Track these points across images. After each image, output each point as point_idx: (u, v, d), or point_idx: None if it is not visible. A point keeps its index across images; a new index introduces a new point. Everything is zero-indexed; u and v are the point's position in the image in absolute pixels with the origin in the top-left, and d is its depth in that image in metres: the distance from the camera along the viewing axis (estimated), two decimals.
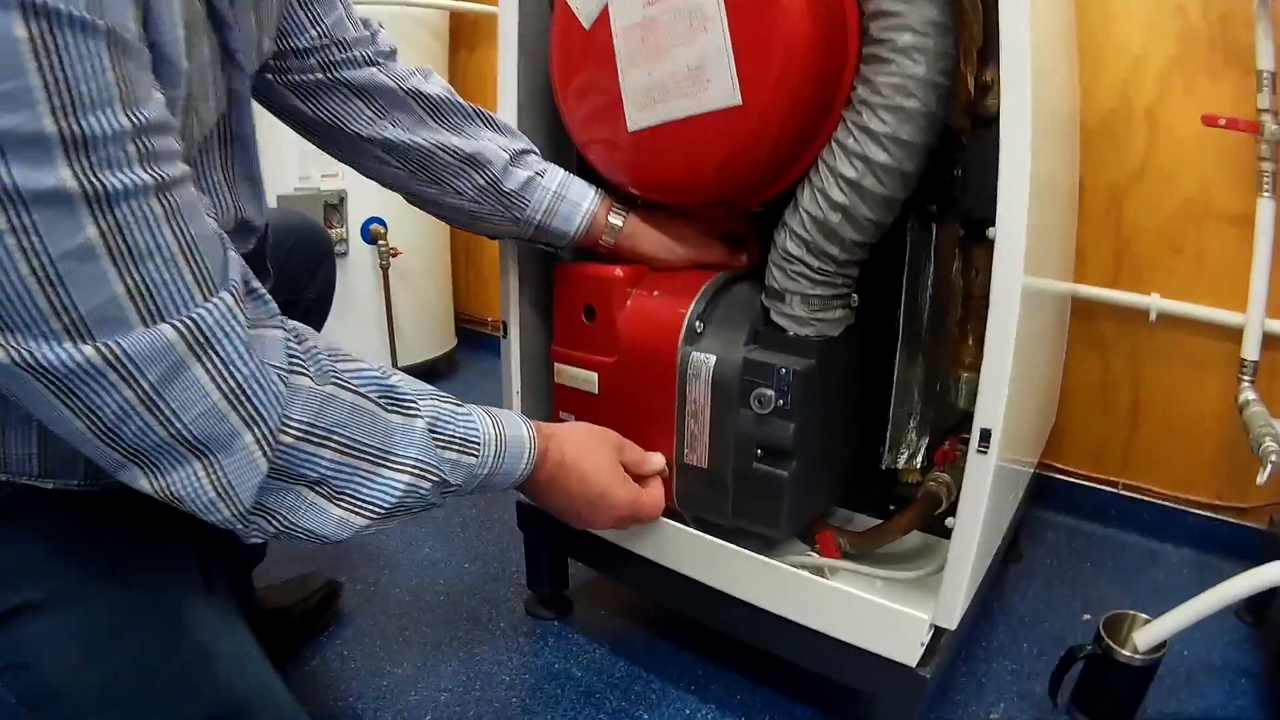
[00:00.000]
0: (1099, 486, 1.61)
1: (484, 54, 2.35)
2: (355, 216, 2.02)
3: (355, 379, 0.65)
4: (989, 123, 0.89)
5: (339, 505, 0.64)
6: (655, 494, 0.93)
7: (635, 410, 0.97)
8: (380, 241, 2.00)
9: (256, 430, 0.57)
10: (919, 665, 0.86)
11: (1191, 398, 1.50)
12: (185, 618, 0.68)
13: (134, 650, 0.65)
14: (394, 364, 2.15)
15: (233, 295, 0.55)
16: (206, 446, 0.55)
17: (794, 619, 0.91)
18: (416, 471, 0.67)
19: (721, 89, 0.85)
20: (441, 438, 0.70)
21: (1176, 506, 1.54)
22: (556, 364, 1.04)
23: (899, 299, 0.99)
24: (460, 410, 0.74)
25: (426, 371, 2.31)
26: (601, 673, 1.14)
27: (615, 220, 0.99)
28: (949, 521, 0.83)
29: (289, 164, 1.99)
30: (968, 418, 1.23)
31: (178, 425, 0.53)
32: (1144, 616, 1.02)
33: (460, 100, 0.97)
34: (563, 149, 1.07)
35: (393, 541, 1.48)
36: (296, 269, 1.08)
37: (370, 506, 0.65)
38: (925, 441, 1.08)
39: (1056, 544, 1.53)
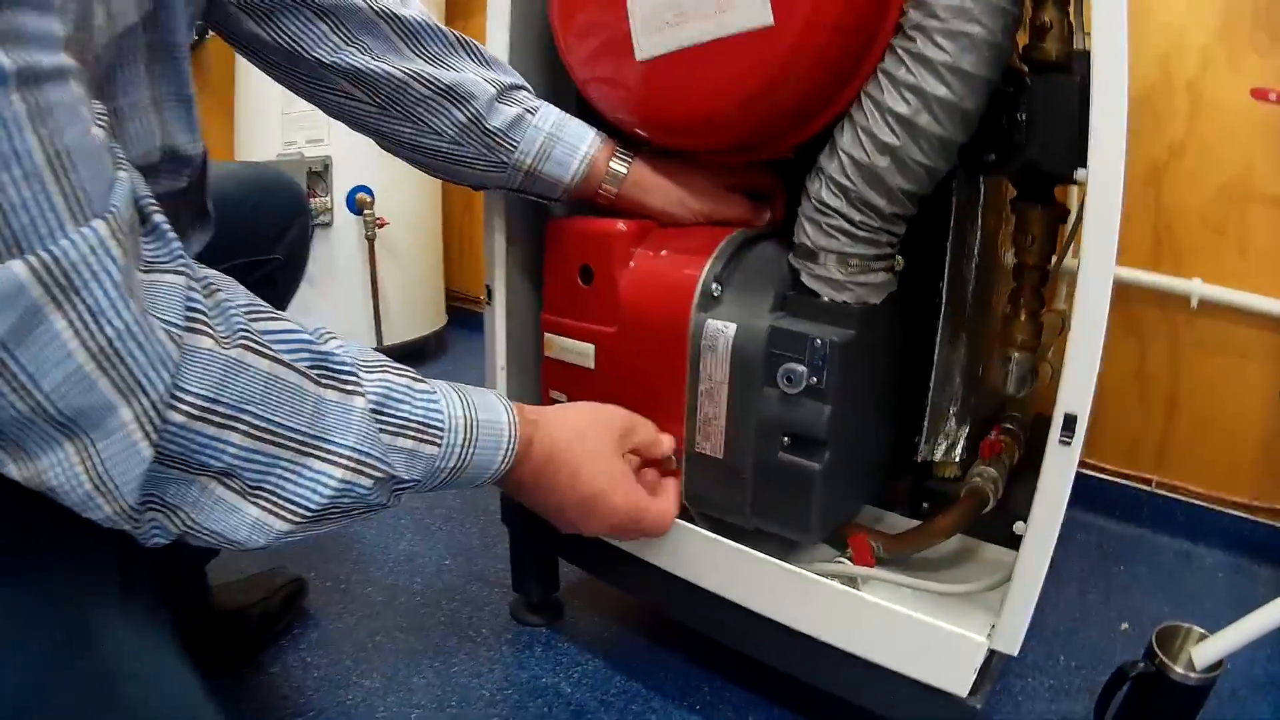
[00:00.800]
0: (1131, 484, 1.45)
1: (481, 21, 2.17)
2: (341, 185, 1.87)
3: (278, 343, 0.50)
4: (1044, 68, 0.73)
5: (255, 503, 0.49)
6: (665, 503, 0.76)
7: (638, 390, 0.80)
8: (366, 211, 1.84)
9: (136, 404, 0.43)
10: (970, 694, 0.70)
11: (1232, 390, 1.36)
12: (92, 627, 0.54)
13: (25, 665, 0.51)
14: (379, 344, 1.99)
15: (109, 224, 0.41)
16: (75, 424, 0.42)
17: (822, 638, 0.75)
18: (353, 465, 0.52)
19: (749, 7, 0.68)
20: (392, 421, 0.55)
21: (1211, 506, 1.40)
22: (546, 334, 0.87)
23: (941, 269, 0.83)
24: (419, 387, 0.58)
25: (414, 351, 2.14)
26: (595, 689, 0.97)
27: (618, 167, 0.82)
28: (1018, 527, 0.67)
29: (272, 129, 1.87)
30: (1005, 405, 1.10)
31: (36, 395, 0.40)
32: (1198, 630, 0.90)
33: (442, 26, 0.81)
34: (561, 91, 0.89)
35: (368, 533, 1.31)
36: (263, 225, 0.94)
37: (293, 508, 0.51)
38: (965, 431, 0.92)
39: (1086, 546, 1.37)
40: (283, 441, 0.49)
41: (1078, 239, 0.94)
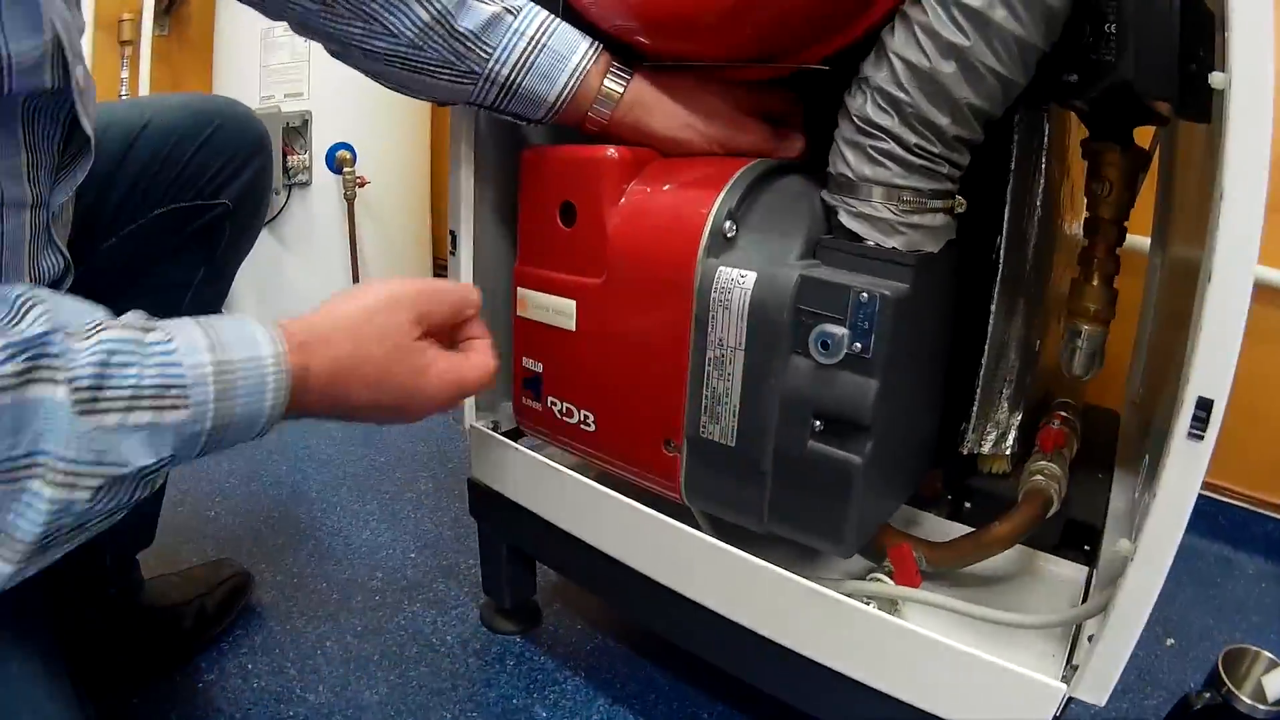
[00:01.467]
0: None
1: None
2: (320, 142, 1.70)
3: None
4: None
5: None
6: (479, 357, 0.59)
7: (631, 357, 0.62)
8: (346, 170, 1.66)
9: None
10: None
11: (1278, 382, 1.19)
12: None
13: None
14: None
15: None
16: None
17: (853, 675, 0.57)
18: (61, 478, 0.39)
19: None
20: (118, 396, 0.41)
21: (1255, 509, 1.25)
22: (519, 289, 0.69)
23: (998, 223, 0.65)
24: (151, 340, 0.43)
25: None
26: (574, 713, 0.80)
27: (613, 85, 0.65)
28: (1124, 545, 0.49)
29: (249, 82, 1.71)
30: (1050, 391, 0.92)
31: None
32: (1267, 655, 0.76)
33: None
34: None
35: (328, 520, 1.13)
36: (211, 166, 0.77)
37: (11, 542, 0.39)
38: (1018, 419, 0.74)
39: None
40: None
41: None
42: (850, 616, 0.56)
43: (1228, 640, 0.78)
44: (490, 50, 0.63)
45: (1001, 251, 0.65)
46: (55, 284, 0.58)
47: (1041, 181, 0.70)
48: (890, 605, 0.60)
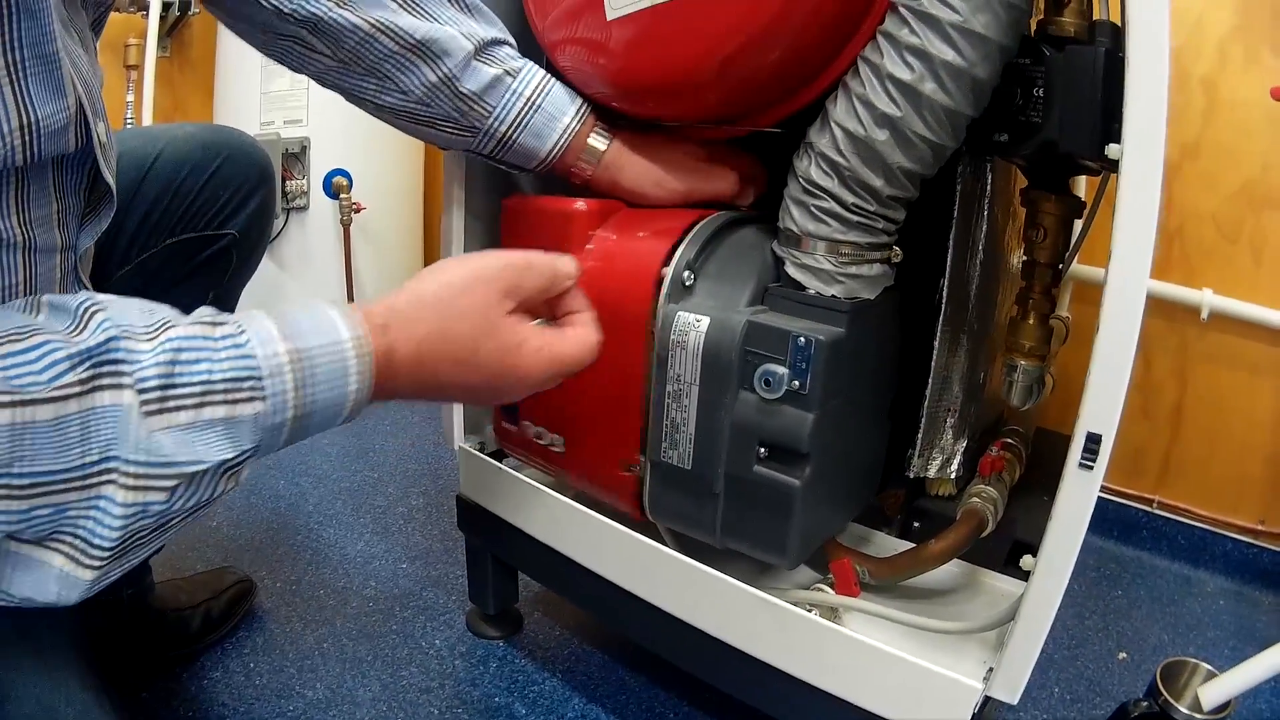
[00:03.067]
0: (1132, 504, 1.35)
1: None
2: (318, 167, 1.76)
3: (18, 372, 0.37)
4: (1063, 43, 0.63)
5: (57, 550, 0.39)
6: (582, 333, 0.58)
7: (593, 388, 0.69)
8: (343, 195, 1.73)
9: None
10: None
11: (1240, 407, 1.26)
12: None
13: None
14: None
15: None
16: None
17: (797, 675, 0.64)
18: (133, 482, 0.40)
19: None
20: (190, 392, 0.41)
21: (1214, 530, 1.30)
22: None
23: (941, 265, 0.72)
24: (221, 334, 0.43)
25: None
26: (551, 712, 0.87)
27: (596, 143, 0.72)
28: (1026, 561, 0.56)
29: (250, 108, 1.76)
30: (1002, 419, 0.99)
31: None
32: (1205, 666, 0.82)
33: None
34: (530, 55, 0.79)
35: (325, 531, 1.21)
36: (220, 197, 0.82)
37: (91, 549, 0.40)
38: (963, 445, 0.81)
39: (1084, 567, 1.26)
40: (60, 487, 0.38)
41: (1089, 236, 0.84)
42: (794, 622, 0.64)
43: (1181, 655, 0.84)
44: (490, 109, 0.70)
45: (944, 292, 0.73)
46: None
47: (984, 227, 0.77)
48: (831, 613, 0.68)
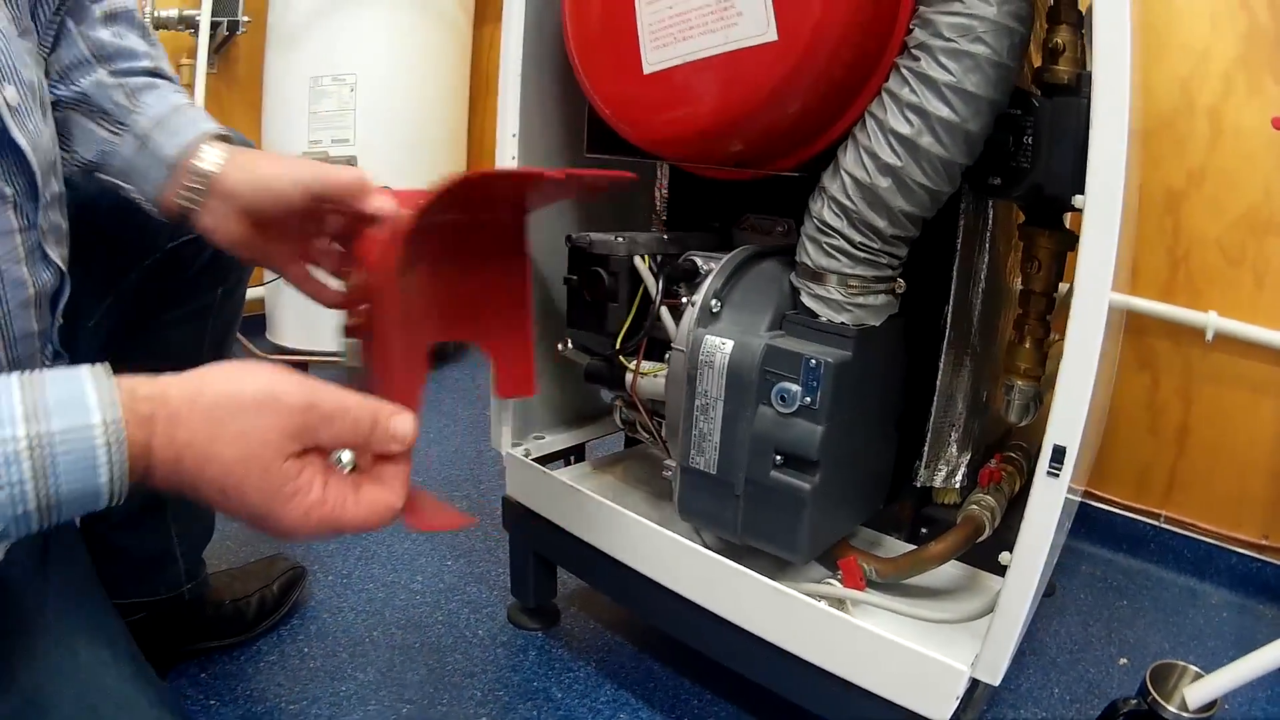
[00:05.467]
0: (1139, 518, 1.42)
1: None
2: None
3: None
4: (1057, 91, 0.72)
5: None
6: (376, 493, 0.49)
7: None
8: None
9: None
10: None
11: (1244, 425, 1.33)
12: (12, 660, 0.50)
13: None
14: None
15: None
16: None
17: (807, 658, 0.74)
18: None
19: (753, 22, 0.68)
20: None
21: (1219, 544, 1.37)
22: None
23: (947, 292, 0.82)
24: None
25: (433, 354, 2.13)
26: (585, 696, 0.97)
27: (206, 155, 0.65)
28: (1004, 557, 0.65)
29: (298, 127, 1.89)
30: (1010, 434, 1.08)
31: None
32: (1195, 670, 0.87)
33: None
34: (573, 103, 0.90)
35: (374, 532, 1.31)
36: None
37: None
38: (967, 458, 0.90)
39: (1091, 578, 1.35)
40: None
41: None
42: (804, 611, 0.73)
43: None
44: (145, 105, 0.67)
45: (948, 318, 0.82)
46: (55, 295, 0.60)
47: (986, 258, 0.87)
48: (839, 604, 0.77)
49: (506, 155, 0.92)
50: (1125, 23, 0.57)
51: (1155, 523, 1.40)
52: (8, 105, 0.51)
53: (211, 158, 0.64)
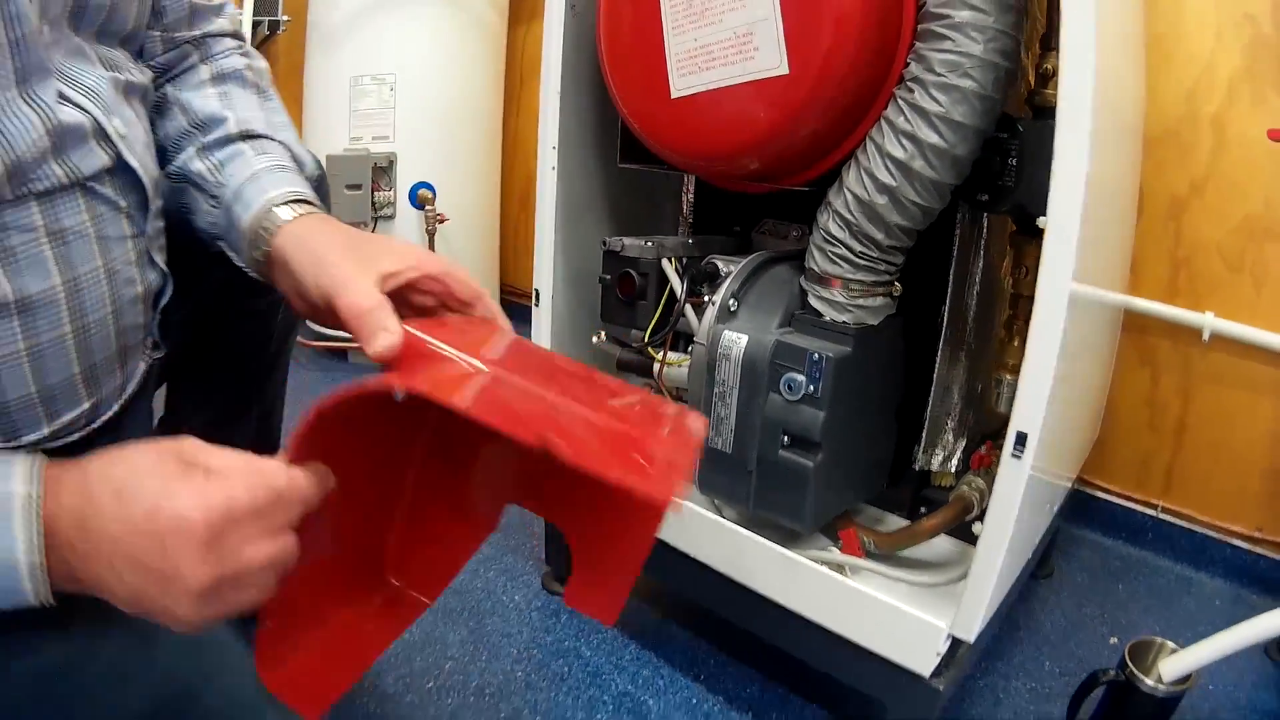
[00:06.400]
0: (1138, 508, 1.52)
1: (542, 28, 2.30)
2: (404, 180, 2.01)
3: None
4: (1048, 113, 0.83)
5: None
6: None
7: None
8: (428, 207, 1.97)
9: None
10: (933, 676, 0.80)
11: (1240, 423, 1.42)
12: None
13: (61, 638, 0.50)
14: None
15: None
16: None
17: (808, 616, 0.86)
18: None
19: (768, 57, 0.80)
20: None
21: (1215, 535, 1.46)
22: None
23: (945, 294, 0.93)
24: None
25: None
26: (611, 654, 1.10)
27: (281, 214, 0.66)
28: (976, 528, 0.77)
29: (339, 124, 2.01)
30: (1007, 423, 1.19)
31: None
32: (1171, 645, 0.97)
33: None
34: (608, 118, 1.02)
35: None
36: None
37: None
38: (962, 444, 1.02)
39: (1090, 563, 1.45)
40: None
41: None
42: (808, 575, 0.85)
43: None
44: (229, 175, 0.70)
45: (945, 317, 0.94)
46: (158, 294, 0.66)
47: (981, 262, 0.98)
48: (839, 569, 0.89)
49: (547, 165, 1.05)
50: (1090, 51, 0.67)
51: (1153, 513, 1.50)
52: (119, 134, 0.59)
53: (262, 242, 0.65)
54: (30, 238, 0.53)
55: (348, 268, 0.59)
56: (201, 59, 0.78)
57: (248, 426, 0.98)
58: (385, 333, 0.54)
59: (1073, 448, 1.12)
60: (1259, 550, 1.42)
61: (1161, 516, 1.50)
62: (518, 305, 2.58)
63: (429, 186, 1.99)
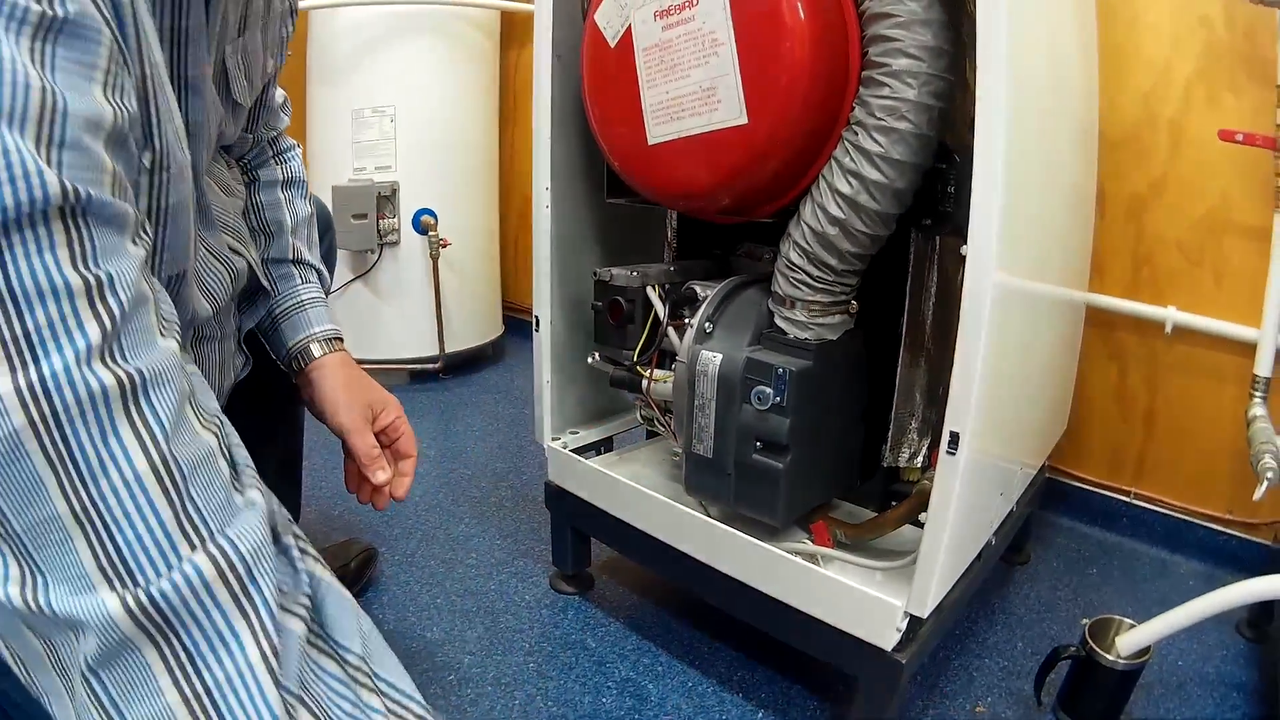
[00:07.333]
0: (1111, 494, 1.64)
1: (533, 52, 2.42)
2: (407, 207, 2.14)
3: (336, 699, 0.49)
4: None
5: None
6: None
7: None
8: (431, 232, 2.10)
9: None
10: (895, 650, 0.92)
11: (1205, 411, 1.52)
12: None
13: None
14: (441, 350, 2.27)
15: (216, 565, 0.42)
16: None
17: (785, 600, 0.98)
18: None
19: (730, 108, 0.92)
20: None
21: (1187, 518, 1.57)
22: None
23: (902, 305, 1.05)
24: None
25: (473, 358, 2.43)
26: (614, 645, 1.22)
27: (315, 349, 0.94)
28: (922, 516, 0.90)
29: (343, 155, 2.13)
30: None
31: None
32: (1129, 622, 1.05)
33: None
34: (596, 156, 1.15)
35: (432, 517, 1.58)
36: None
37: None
38: (927, 442, 1.14)
39: (1065, 548, 1.57)
40: None
41: None
42: (784, 565, 0.98)
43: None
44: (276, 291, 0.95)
45: (904, 326, 1.06)
46: (240, 381, 0.88)
47: (935, 274, 1.10)
48: (811, 559, 1.01)
49: (542, 204, 1.18)
50: (1002, 88, 0.77)
51: (1127, 499, 1.62)
52: (257, 263, 0.84)
53: (297, 364, 0.93)
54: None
55: (355, 417, 0.89)
56: (274, 154, 0.97)
57: (271, 459, 1.11)
58: (383, 471, 0.89)
59: (1029, 438, 1.24)
60: (1230, 531, 1.52)
61: (1134, 502, 1.61)
62: (520, 322, 2.71)
63: (431, 213, 2.12)
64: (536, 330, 1.21)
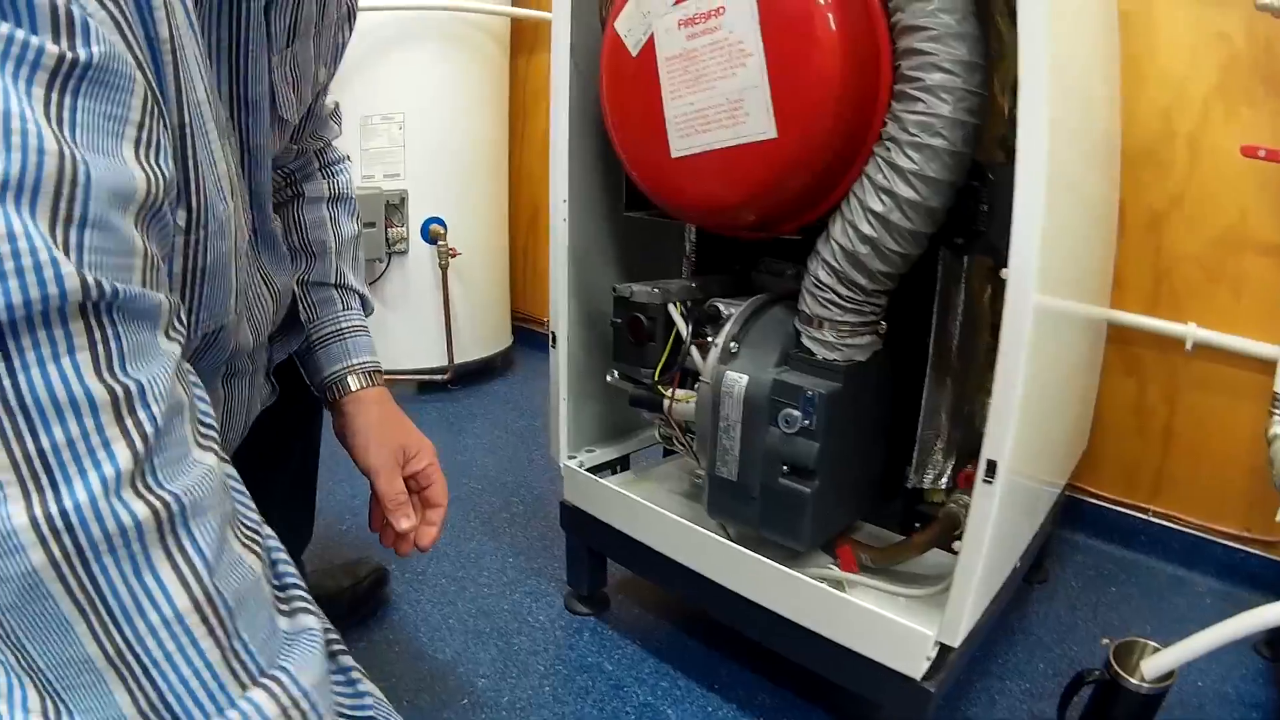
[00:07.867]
0: (1129, 512, 1.62)
1: (544, 59, 2.43)
2: (416, 216, 2.11)
3: None
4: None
5: None
6: None
7: None
8: (440, 242, 2.08)
9: None
10: (924, 679, 0.90)
11: (1224, 428, 1.51)
12: None
13: None
14: (450, 361, 2.24)
15: (278, 702, 0.40)
16: None
17: (810, 627, 0.96)
18: None
19: (758, 121, 0.90)
20: None
21: (1205, 536, 1.55)
22: None
23: (930, 325, 1.03)
24: None
25: (482, 369, 2.41)
26: (631, 668, 1.20)
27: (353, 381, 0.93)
28: (957, 545, 0.87)
29: (351, 164, 2.08)
30: None
31: None
32: (1154, 645, 1.03)
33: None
34: (613, 168, 1.12)
35: (443, 535, 1.55)
36: None
37: None
38: (951, 463, 1.12)
39: (1083, 567, 1.55)
40: None
41: None
42: (809, 590, 0.95)
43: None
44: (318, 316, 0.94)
45: (931, 347, 1.04)
46: (269, 406, 0.86)
47: (963, 294, 1.08)
48: (836, 585, 0.99)
49: (559, 217, 1.16)
50: (1043, 103, 0.75)
51: (1144, 517, 1.60)
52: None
53: (332, 394, 0.92)
54: (212, 381, 0.65)
55: (386, 459, 0.88)
56: (321, 166, 0.95)
57: (284, 476, 1.09)
58: (406, 519, 0.89)
59: (1056, 459, 1.22)
60: (1248, 549, 1.51)
61: (1152, 519, 1.59)
62: (529, 332, 2.69)
63: (440, 221, 2.09)
64: (553, 347, 1.19)
